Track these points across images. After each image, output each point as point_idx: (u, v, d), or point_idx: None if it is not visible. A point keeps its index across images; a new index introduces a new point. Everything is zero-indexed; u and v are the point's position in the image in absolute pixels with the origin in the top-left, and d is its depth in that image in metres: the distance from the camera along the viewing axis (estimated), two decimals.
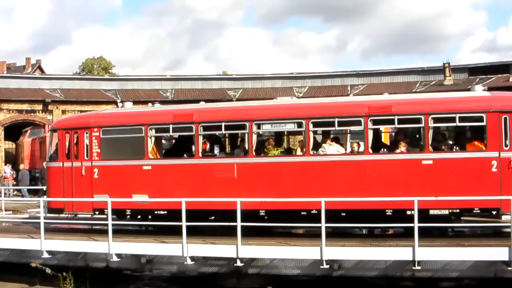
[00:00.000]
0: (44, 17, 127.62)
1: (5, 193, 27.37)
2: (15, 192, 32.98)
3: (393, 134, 15.91)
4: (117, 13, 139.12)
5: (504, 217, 13.54)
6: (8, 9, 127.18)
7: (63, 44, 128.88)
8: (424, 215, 12.66)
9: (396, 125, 14.34)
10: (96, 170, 15.93)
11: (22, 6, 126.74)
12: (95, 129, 16.10)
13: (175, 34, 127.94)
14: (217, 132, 15.68)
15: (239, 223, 12.82)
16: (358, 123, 14.19)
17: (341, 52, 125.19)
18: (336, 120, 14.33)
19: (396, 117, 13.92)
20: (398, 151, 14.12)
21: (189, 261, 13.32)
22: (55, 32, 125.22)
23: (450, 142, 14.37)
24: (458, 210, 13.44)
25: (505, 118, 13.23)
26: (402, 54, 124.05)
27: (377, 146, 14.58)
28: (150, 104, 18.66)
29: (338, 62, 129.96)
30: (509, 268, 11.66)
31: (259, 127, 14.93)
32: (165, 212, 15.08)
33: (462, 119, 13.56)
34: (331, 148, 14.49)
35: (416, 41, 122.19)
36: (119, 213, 15.64)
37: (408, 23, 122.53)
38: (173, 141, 17.25)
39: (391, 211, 13.60)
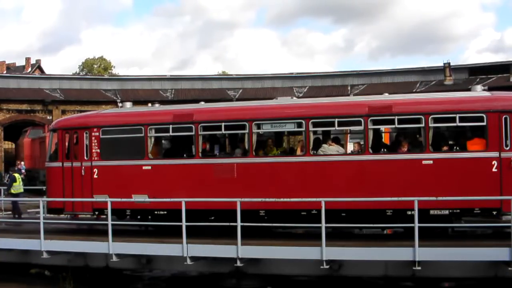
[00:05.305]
0: (54, 18, 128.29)
1: None
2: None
3: (394, 134, 15.90)
4: (128, 13, 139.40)
5: (504, 217, 13.53)
6: (18, 9, 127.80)
7: (72, 45, 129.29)
8: (424, 215, 12.63)
9: (396, 125, 14.31)
10: (96, 170, 15.91)
11: (32, 7, 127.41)
12: (95, 129, 16.08)
13: (185, 34, 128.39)
14: (217, 132, 15.65)
15: (239, 223, 12.80)
16: (358, 123, 14.17)
17: (349, 52, 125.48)
18: (336, 120, 14.31)
19: (396, 117, 13.90)
20: (400, 151, 14.10)
21: (189, 261, 13.30)
22: (64, 33, 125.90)
23: (451, 142, 14.34)
24: (458, 210, 13.41)
25: (506, 118, 13.20)
26: (409, 55, 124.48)
27: (377, 146, 14.56)
28: (149, 104, 18.61)
29: (345, 62, 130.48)
30: (510, 269, 11.63)
31: (259, 127, 14.91)
32: (165, 212, 15.06)
33: (462, 119, 13.53)
34: (331, 148, 14.47)
35: (424, 42, 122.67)
36: (119, 213, 15.63)
37: (417, 24, 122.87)
38: (173, 141, 17.20)
39: (391, 211, 13.58)
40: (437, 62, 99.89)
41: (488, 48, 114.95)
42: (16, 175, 22.14)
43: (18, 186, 21.65)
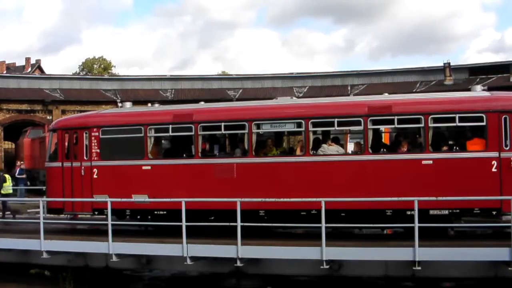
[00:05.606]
0: (54, 18, 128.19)
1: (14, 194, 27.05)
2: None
3: (393, 134, 15.90)
4: (128, 13, 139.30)
5: (504, 217, 13.53)
6: (19, 9, 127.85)
7: (72, 45, 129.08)
8: (424, 215, 12.62)
9: (396, 125, 14.31)
10: (95, 170, 15.91)
11: (32, 7, 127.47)
12: (95, 129, 16.08)
13: (186, 34, 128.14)
14: (216, 132, 15.64)
15: (239, 223, 12.80)
16: (358, 123, 14.17)
17: (349, 52, 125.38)
18: (336, 120, 14.31)
19: (396, 117, 13.90)
20: (399, 151, 14.10)
21: (189, 261, 13.30)
22: (65, 33, 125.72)
23: (450, 142, 14.34)
24: (458, 210, 13.42)
25: (505, 118, 13.20)
26: (410, 55, 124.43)
27: (377, 146, 14.56)
28: (149, 104, 18.61)
29: (345, 62, 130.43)
30: (510, 269, 11.63)
31: (258, 127, 14.92)
32: (165, 212, 15.05)
33: (462, 119, 13.53)
34: (330, 148, 14.47)
35: (425, 42, 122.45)
36: (118, 213, 15.62)
37: (418, 24, 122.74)
38: (173, 141, 17.19)
39: (391, 211, 13.58)
40: (437, 62, 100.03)
41: (488, 48, 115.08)
42: (7, 175, 22.15)
43: (8, 187, 21.67)
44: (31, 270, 16.78)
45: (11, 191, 22.06)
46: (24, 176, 28.79)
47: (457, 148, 13.90)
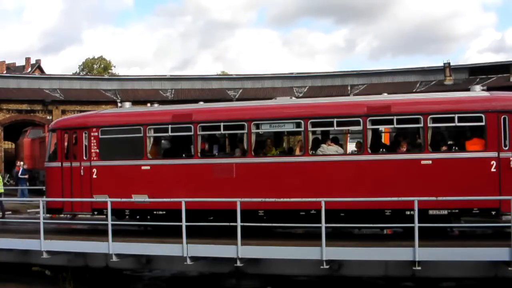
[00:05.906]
0: (55, 18, 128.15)
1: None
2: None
3: (393, 134, 15.90)
4: (129, 13, 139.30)
5: (504, 217, 13.53)
6: (20, 9, 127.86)
7: (73, 45, 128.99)
8: (423, 215, 12.62)
9: (395, 125, 14.31)
10: (95, 170, 15.91)
11: (33, 7, 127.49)
12: (94, 129, 16.09)
13: (187, 34, 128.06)
14: (216, 132, 15.65)
15: (239, 223, 12.80)
16: (357, 123, 14.17)
17: (350, 52, 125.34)
18: (335, 120, 14.31)
19: (395, 117, 13.90)
20: (399, 151, 14.10)
21: (189, 261, 13.30)
22: (65, 33, 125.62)
23: (449, 142, 14.34)
24: (457, 210, 13.42)
25: (504, 118, 13.19)
26: (410, 55, 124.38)
27: (377, 146, 14.56)
28: (149, 104, 18.62)
29: (346, 62, 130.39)
30: (510, 269, 11.63)
31: (258, 127, 14.92)
32: (164, 212, 15.06)
33: (461, 119, 13.53)
34: (330, 148, 14.47)
35: (426, 42, 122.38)
36: (118, 213, 15.62)
37: (419, 24, 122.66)
38: (172, 141, 17.20)
39: (390, 211, 13.58)
40: (437, 62, 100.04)
41: (489, 48, 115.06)
42: None
43: (0, 186, 21.69)
44: (33, 268, 16.79)
45: (2, 191, 22.06)
46: (26, 176, 28.81)
47: (456, 148, 13.91)
